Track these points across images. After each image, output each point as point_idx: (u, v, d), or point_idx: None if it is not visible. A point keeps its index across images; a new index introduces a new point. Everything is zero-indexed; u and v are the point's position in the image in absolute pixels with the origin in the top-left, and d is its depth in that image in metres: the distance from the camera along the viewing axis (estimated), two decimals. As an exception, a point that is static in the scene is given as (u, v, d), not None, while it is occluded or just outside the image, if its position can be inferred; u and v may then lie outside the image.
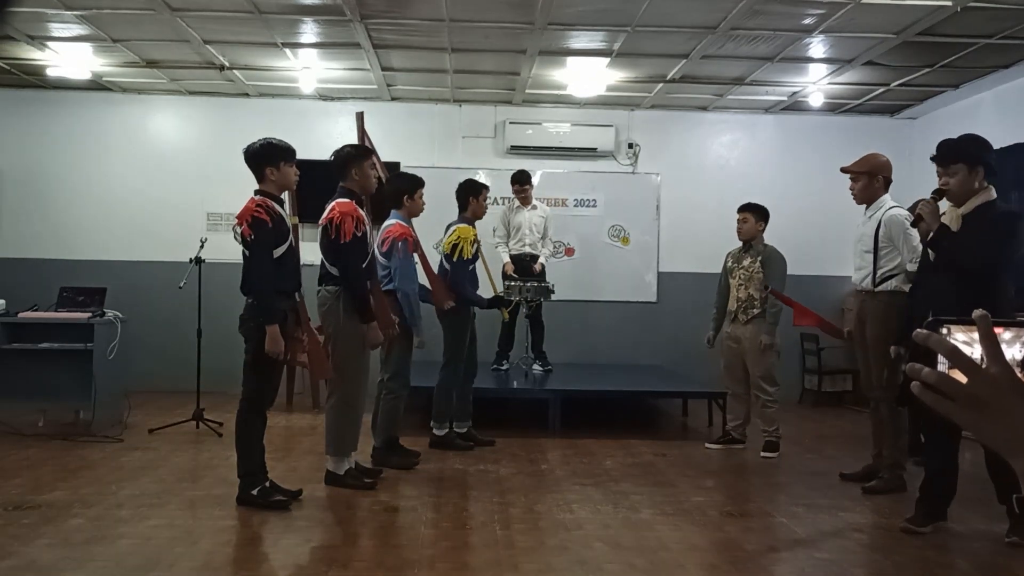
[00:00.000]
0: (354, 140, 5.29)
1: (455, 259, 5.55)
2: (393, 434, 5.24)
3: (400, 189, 5.23)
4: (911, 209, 4.41)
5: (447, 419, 5.79)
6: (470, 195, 5.72)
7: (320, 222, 4.54)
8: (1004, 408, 0.88)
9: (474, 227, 5.72)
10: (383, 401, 5.20)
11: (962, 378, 0.90)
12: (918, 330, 0.93)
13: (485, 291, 6.10)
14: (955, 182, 3.93)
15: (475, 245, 5.63)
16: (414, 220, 5.38)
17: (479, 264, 5.90)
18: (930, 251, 4.02)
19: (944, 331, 0.95)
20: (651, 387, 7.42)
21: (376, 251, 5.13)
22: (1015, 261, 3.92)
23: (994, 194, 3.94)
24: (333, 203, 4.52)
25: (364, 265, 4.56)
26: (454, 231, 5.64)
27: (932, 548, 3.88)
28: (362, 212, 4.56)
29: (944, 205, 4.03)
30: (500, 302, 5.92)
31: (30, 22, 6.19)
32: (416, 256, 5.27)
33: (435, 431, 5.77)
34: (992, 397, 0.88)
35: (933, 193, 4.11)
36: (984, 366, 0.89)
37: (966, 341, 0.93)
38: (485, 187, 5.83)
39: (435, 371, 5.75)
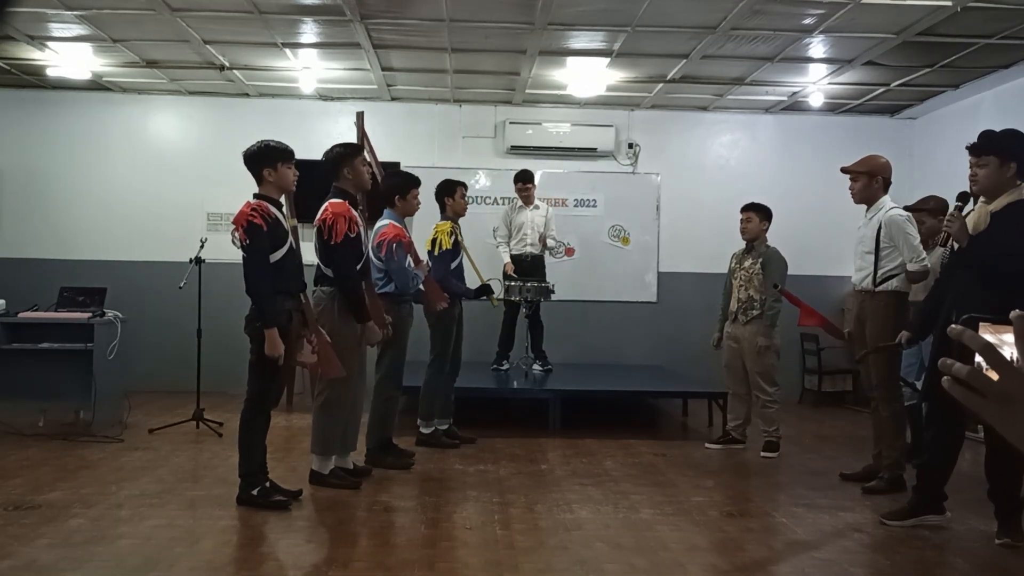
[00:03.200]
0: (350, 139, 5.26)
1: (436, 254, 5.60)
2: (386, 435, 5.24)
3: (392, 188, 5.21)
4: (926, 210, 4.33)
5: (433, 417, 5.82)
6: (444, 195, 5.78)
7: (314, 223, 4.54)
8: None
9: (457, 224, 5.78)
10: (374, 404, 5.21)
11: (993, 375, 0.90)
12: (952, 326, 0.94)
13: (474, 287, 6.09)
14: (983, 174, 3.87)
15: (452, 236, 5.64)
16: (411, 220, 5.38)
17: (464, 257, 5.93)
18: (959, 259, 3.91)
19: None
20: (651, 387, 7.43)
21: (371, 253, 5.12)
22: None
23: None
24: (326, 203, 4.52)
25: (359, 266, 4.56)
26: (433, 229, 5.71)
27: (932, 548, 3.88)
28: (355, 212, 4.55)
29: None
30: (487, 291, 5.91)
31: (30, 22, 6.19)
32: (409, 257, 5.27)
33: (421, 429, 5.81)
34: (1022, 396, 0.89)
35: (957, 200, 3.96)
36: (1017, 365, 0.90)
37: (995, 341, 0.94)
38: (460, 185, 5.83)
39: (423, 370, 5.76)
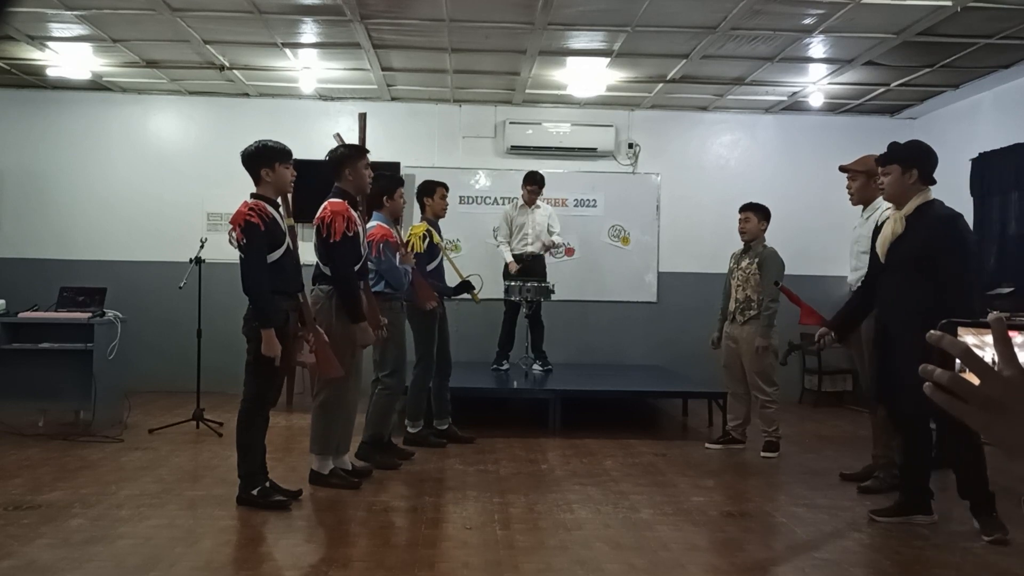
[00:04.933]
0: (350, 141, 5.25)
1: None
2: (380, 432, 5.24)
3: (379, 190, 5.21)
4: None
5: (421, 416, 5.85)
6: (424, 196, 5.87)
7: (313, 222, 4.55)
8: (1016, 410, 0.89)
9: (436, 226, 5.81)
10: (377, 397, 5.21)
11: (975, 380, 0.90)
12: (932, 332, 0.94)
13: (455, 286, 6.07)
14: (887, 181, 4.17)
15: (426, 239, 5.65)
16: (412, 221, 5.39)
17: (444, 259, 5.93)
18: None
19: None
20: (651, 387, 7.41)
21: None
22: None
23: (931, 196, 4.13)
24: (326, 202, 4.54)
25: (357, 267, 4.56)
26: (407, 232, 5.73)
27: (932, 548, 3.88)
28: (355, 213, 4.56)
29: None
30: (467, 287, 5.91)
31: (30, 22, 6.19)
32: (398, 255, 5.26)
33: (409, 429, 5.83)
34: (1005, 399, 0.89)
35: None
36: (997, 369, 0.90)
37: (976, 344, 0.93)
38: (440, 185, 5.89)
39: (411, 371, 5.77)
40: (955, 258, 3.92)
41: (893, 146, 4.25)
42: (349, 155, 4.67)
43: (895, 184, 4.12)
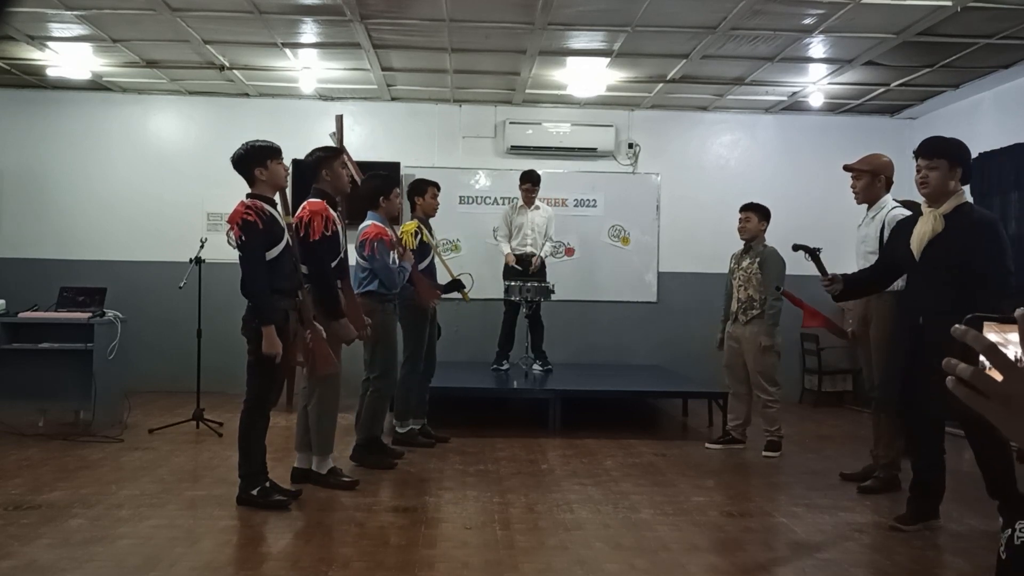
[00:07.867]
0: (347, 140, 5.27)
1: None
2: (373, 434, 5.24)
3: (375, 189, 5.25)
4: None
5: (409, 416, 5.84)
6: (415, 195, 5.88)
7: (292, 221, 4.56)
8: None
9: (427, 224, 5.82)
10: (368, 399, 5.21)
11: (997, 376, 0.90)
12: (956, 326, 0.94)
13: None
14: (934, 176, 3.96)
15: (418, 236, 5.65)
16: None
17: (435, 257, 5.94)
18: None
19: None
20: (651, 387, 7.41)
21: (356, 253, 5.15)
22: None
23: (965, 197, 4.02)
24: (304, 203, 4.58)
25: (334, 264, 4.57)
26: (399, 230, 5.73)
27: (932, 548, 3.89)
28: (333, 212, 4.59)
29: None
30: (458, 286, 5.92)
31: (30, 22, 6.19)
32: (394, 254, 5.26)
33: (397, 429, 5.82)
34: None
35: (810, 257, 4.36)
36: (1022, 365, 0.90)
37: (999, 340, 0.93)
38: (432, 184, 5.91)
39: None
40: (1000, 265, 3.81)
41: (939, 140, 4.07)
42: (324, 156, 4.73)
43: (942, 180, 3.93)
